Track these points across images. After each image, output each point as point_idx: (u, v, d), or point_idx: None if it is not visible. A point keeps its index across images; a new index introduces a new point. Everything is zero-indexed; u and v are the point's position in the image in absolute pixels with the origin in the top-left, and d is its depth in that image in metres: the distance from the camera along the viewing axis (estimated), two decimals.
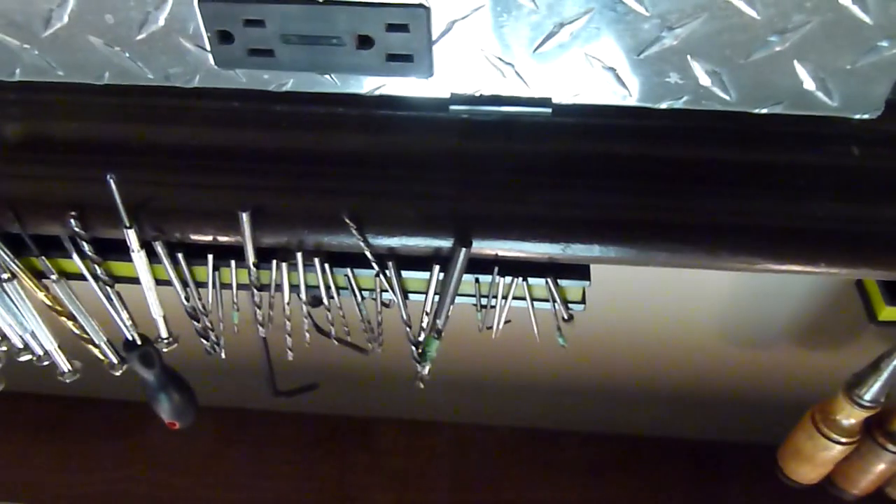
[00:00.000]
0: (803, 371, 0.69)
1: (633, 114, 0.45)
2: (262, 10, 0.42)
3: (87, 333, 0.59)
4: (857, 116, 0.44)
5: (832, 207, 0.47)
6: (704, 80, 0.43)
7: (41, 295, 0.55)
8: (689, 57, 0.42)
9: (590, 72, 0.43)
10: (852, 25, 0.39)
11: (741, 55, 0.41)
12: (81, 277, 0.53)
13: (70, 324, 0.58)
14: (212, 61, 0.44)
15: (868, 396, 0.56)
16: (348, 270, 0.53)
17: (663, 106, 0.44)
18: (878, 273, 0.49)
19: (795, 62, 0.41)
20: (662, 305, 0.66)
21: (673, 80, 0.43)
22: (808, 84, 0.42)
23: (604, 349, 0.71)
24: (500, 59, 0.43)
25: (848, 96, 0.43)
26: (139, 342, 0.60)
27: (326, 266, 0.52)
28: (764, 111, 0.44)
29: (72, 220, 0.48)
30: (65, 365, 0.62)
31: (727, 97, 0.44)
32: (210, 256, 0.52)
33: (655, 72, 0.43)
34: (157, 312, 0.57)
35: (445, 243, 0.48)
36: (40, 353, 0.61)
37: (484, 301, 0.55)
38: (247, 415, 1.04)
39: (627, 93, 0.44)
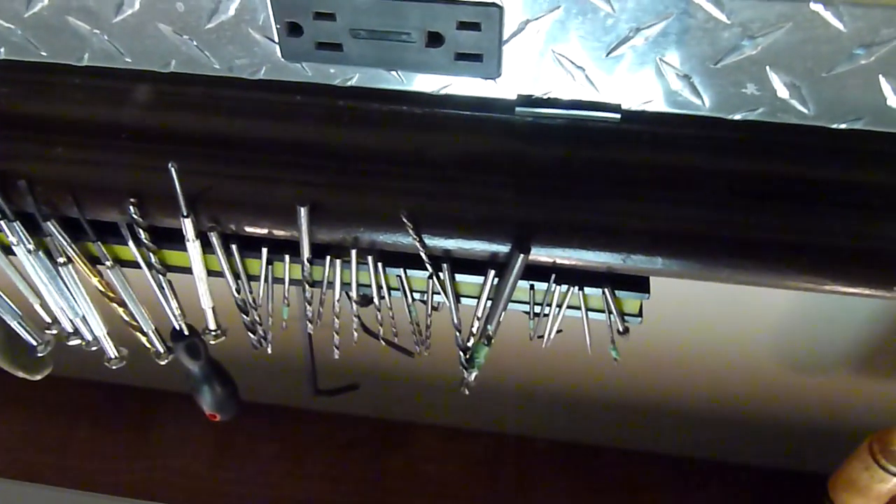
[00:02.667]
0: (862, 398, 0.67)
1: (704, 124, 0.44)
2: (333, 3, 0.41)
3: (137, 321, 0.59)
4: None
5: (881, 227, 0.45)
6: (783, 93, 0.41)
7: (95, 280, 0.55)
8: (768, 68, 0.40)
9: (663, 79, 0.42)
10: None
11: (823, 68, 0.40)
12: (135, 265, 0.53)
13: (120, 310, 0.58)
14: (279, 53, 0.44)
15: None
16: (401, 271, 0.52)
17: (737, 117, 0.43)
18: None
19: (881, 77, 0.40)
20: (718, 324, 0.64)
21: (749, 90, 0.41)
22: (893, 100, 0.41)
23: (654, 366, 0.70)
24: (571, 61, 0.42)
25: None
26: (187, 332, 0.60)
27: (380, 265, 0.51)
28: (843, 126, 0.43)
29: (131, 207, 0.48)
30: (112, 351, 0.62)
31: (805, 110, 0.42)
32: (264, 250, 0.52)
33: (732, 82, 0.41)
34: (206, 304, 0.57)
35: (503, 248, 0.47)
36: (90, 338, 0.61)
37: (538, 309, 0.54)
38: (285, 412, 1.04)
39: (701, 102, 0.43)
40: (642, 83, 0.43)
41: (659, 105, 0.43)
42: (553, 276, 0.51)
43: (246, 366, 0.71)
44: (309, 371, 0.74)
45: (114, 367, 0.64)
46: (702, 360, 0.69)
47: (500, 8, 0.40)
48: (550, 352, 0.58)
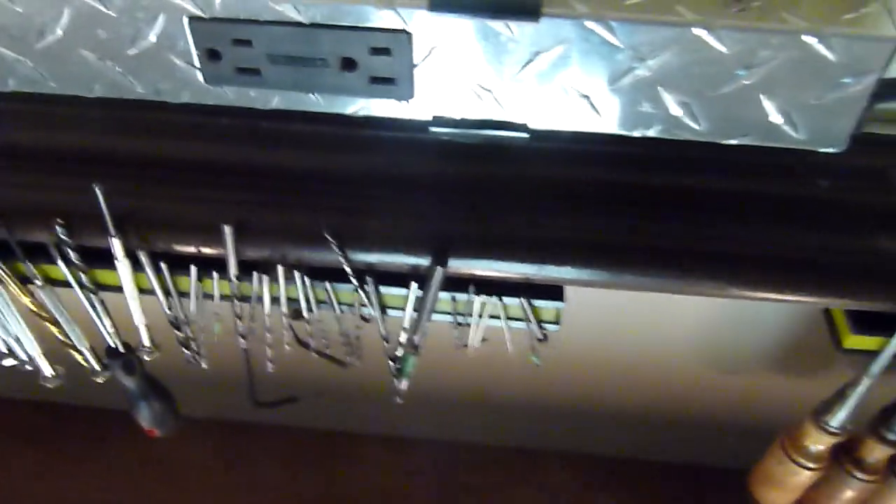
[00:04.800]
0: (775, 397, 0.70)
1: (608, 141, 0.47)
2: (250, 30, 0.43)
3: (71, 340, 0.60)
4: (823, 150, 0.45)
5: (800, 237, 0.49)
6: (675, 111, 0.44)
7: (26, 300, 0.56)
8: (660, 88, 0.43)
9: (566, 99, 0.45)
10: (817, 63, 0.41)
11: (710, 88, 0.43)
12: (67, 284, 0.54)
13: (54, 330, 0.59)
14: (201, 78, 0.46)
15: (834, 423, 0.57)
16: (328, 284, 0.54)
17: (636, 134, 0.46)
18: (843, 302, 0.51)
19: (762, 96, 0.43)
20: (640, 329, 0.67)
21: (645, 109, 0.44)
22: (775, 118, 0.44)
23: (582, 370, 0.72)
24: (479, 84, 0.44)
25: (813, 130, 0.44)
26: (122, 350, 0.61)
27: (307, 280, 0.53)
28: (734, 142, 0.46)
29: (58, 228, 0.49)
30: (48, 370, 0.63)
31: (697, 127, 0.45)
32: (193, 268, 0.53)
33: (629, 101, 0.44)
34: (139, 321, 0.58)
35: (423, 261, 0.49)
36: (24, 357, 0.62)
37: (461, 319, 0.56)
38: (231, 427, 1.05)
39: (602, 120, 0.45)
40: (548, 103, 0.45)
41: (564, 124, 0.46)
42: (472, 287, 0.53)
43: (190, 382, 0.72)
44: (247, 384, 0.75)
45: (51, 386, 0.64)
46: (627, 363, 0.72)
47: (409, 34, 0.42)
48: (482, 360, 0.60)
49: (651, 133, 0.46)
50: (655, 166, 0.48)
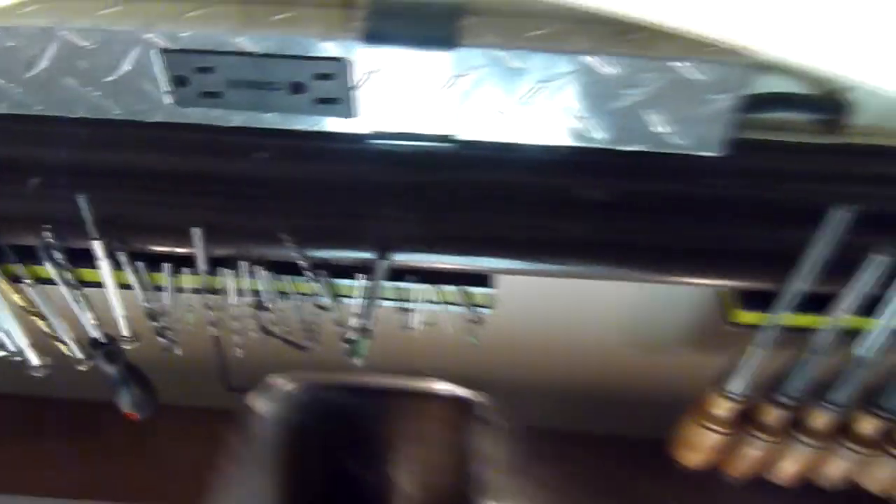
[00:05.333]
0: (689, 369, 0.78)
1: (522, 149, 0.54)
2: (212, 60, 0.50)
3: (57, 332, 0.67)
4: (705, 154, 0.54)
5: (691, 229, 0.57)
6: (577, 124, 0.52)
7: (16, 297, 0.63)
8: (563, 104, 0.51)
9: (484, 114, 0.52)
10: (689, 83, 0.49)
11: (604, 104, 0.51)
12: (53, 282, 0.61)
13: (41, 324, 0.66)
14: (170, 101, 0.53)
15: (734, 391, 0.66)
16: (287, 278, 0.61)
17: (546, 143, 0.54)
18: (732, 284, 0.59)
19: (649, 110, 0.51)
20: (567, 311, 0.75)
21: (552, 122, 0.52)
22: (661, 128, 0.52)
23: (515, 349, 0.80)
24: (411, 102, 0.52)
25: (693, 138, 0.52)
26: (104, 340, 0.68)
27: (269, 274, 0.60)
28: (631, 149, 0.54)
29: (46, 233, 0.56)
30: (35, 360, 0.69)
31: (598, 136, 0.53)
32: (167, 265, 0.60)
33: (539, 114, 0.52)
34: (119, 314, 0.65)
35: (369, 255, 0.56)
36: (13, 349, 0.68)
37: (406, 304, 0.64)
38: (206, 413, 1.11)
39: (516, 131, 0.53)
40: (469, 117, 0.53)
41: (485, 135, 0.54)
42: (414, 278, 0.61)
43: (164, 370, 0.79)
44: (220, 370, 0.82)
45: (38, 375, 0.71)
46: (556, 341, 0.79)
47: (348, 62, 0.50)
48: (429, 340, 0.68)
49: (560, 142, 0.54)
50: (566, 170, 0.55)
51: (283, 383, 0.84)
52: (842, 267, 0.54)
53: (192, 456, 1.08)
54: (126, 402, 0.76)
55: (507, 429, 0.81)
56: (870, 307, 0.57)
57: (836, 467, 0.68)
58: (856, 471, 0.69)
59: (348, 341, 0.65)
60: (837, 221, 0.52)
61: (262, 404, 0.84)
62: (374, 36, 0.48)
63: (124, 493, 1.02)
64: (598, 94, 0.50)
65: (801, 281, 0.55)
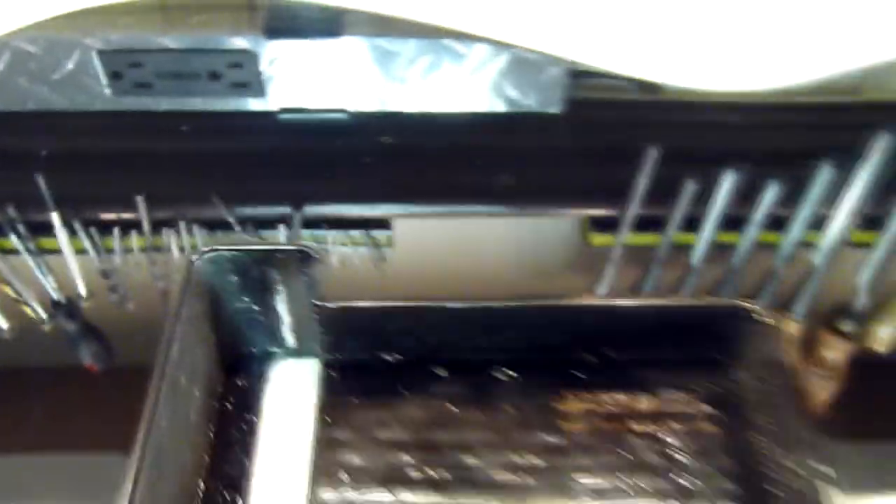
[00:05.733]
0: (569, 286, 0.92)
1: (405, 116, 0.67)
2: (141, 57, 0.61)
3: (22, 297, 0.77)
4: (550, 110, 0.67)
5: (546, 171, 0.71)
6: (450, 93, 0.65)
7: None
8: (437, 78, 0.64)
9: (369, 89, 0.65)
10: (529, 58, 0.62)
11: (470, 76, 0.64)
12: (17, 252, 0.72)
13: (8, 289, 0.76)
14: (108, 92, 0.64)
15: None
16: (219, 233, 0.73)
17: (426, 110, 0.67)
18: (581, 213, 0.73)
19: (501, 78, 0.64)
20: (460, 247, 0.88)
21: (429, 92, 0.65)
22: (512, 92, 0.65)
23: (414, 282, 0.92)
24: (310, 83, 0.64)
25: (538, 99, 0.66)
26: (63, 301, 0.79)
27: (204, 230, 0.72)
28: (494, 111, 0.67)
29: (10, 210, 0.66)
30: (4, 324, 0.80)
31: (467, 102, 0.66)
32: (116, 229, 0.72)
33: (415, 87, 0.65)
34: (76, 275, 0.75)
35: (286, 209, 0.69)
36: None
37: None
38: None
39: (399, 102, 0.66)
40: (356, 93, 0.65)
41: (371, 106, 0.66)
42: (324, 225, 0.73)
43: (117, 328, 0.89)
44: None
45: (6, 337, 0.81)
46: (457, 275, 0.92)
47: (255, 53, 0.62)
48: (341, 278, 0.80)
49: (435, 109, 0.67)
50: (442, 130, 0.69)
51: None
52: (663, 194, 0.68)
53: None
54: (86, 356, 0.86)
55: None
56: (692, 223, 0.71)
57: None
58: None
59: None
60: (652, 159, 0.67)
61: None
62: (273, 31, 0.60)
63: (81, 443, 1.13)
64: (460, 69, 0.63)
65: (633, 207, 0.69)
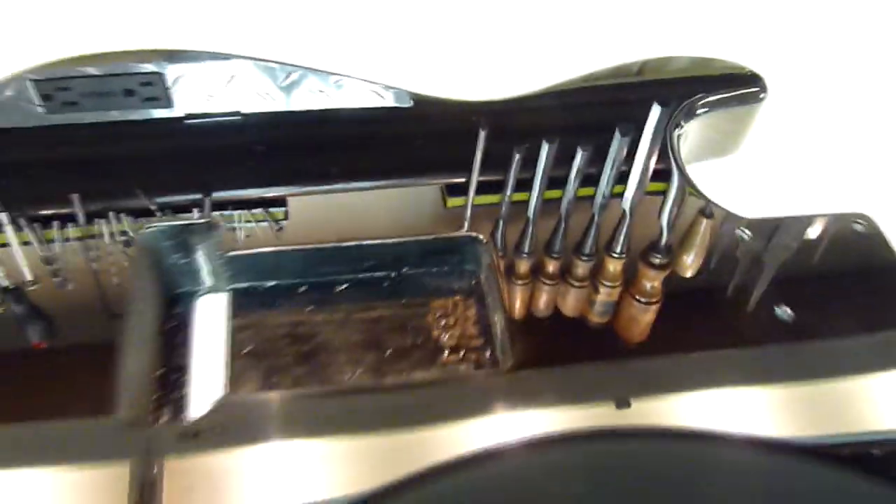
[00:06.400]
0: None
1: (289, 114, 0.84)
2: (67, 82, 0.77)
3: None
4: (404, 105, 0.85)
5: (403, 153, 0.89)
6: (321, 93, 0.83)
7: None
8: (309, 84, 0.81)
9: (256, 96, 0.82)
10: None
11: (336, 81, 0.81)
12: None
13: None
14: (42, 111, 0.79)
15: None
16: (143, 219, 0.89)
17: (304, 108, 0.84)
18: (439, 181, 0.92)
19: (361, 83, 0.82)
20: (344, 218, 1.06)
21: (304, 95, 0.82)
22: (372, 92, 0.83)
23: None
24: (207, 93, 0.81)
25: (395, 96, 0.84)
26: (12, 287, 0.93)
27: (131, 218, 0.88)
28: (365, 106, 0.85)
29: None
30: None
31: (338, 100, 0.84)
32: (55, 223, 0.87)
33: (295, 92, 0.82)
34: (23, 264, 0.90)
35: (197, 196, 0.85)
36: None
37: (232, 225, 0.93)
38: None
39: (282, 104, 0.83)
40: (247, 99, 0.82)
41: (260, 107, 0.83)
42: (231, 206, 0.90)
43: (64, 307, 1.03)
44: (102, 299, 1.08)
45: None
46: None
47: (162, 74, 0.78)
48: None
49: (309, 107, 0.84)
50: (320, 123, 0.86)
51: None
52: (498, 164, 0.87)
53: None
54: (34, 335, 1.01)
55: None
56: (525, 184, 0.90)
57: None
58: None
59: None
60: (483, 138, 0.85)
61: None
62: (175, 58, 0.76)
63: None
64: (326, 77, 0.81)
65: (475, 175, 0.88)
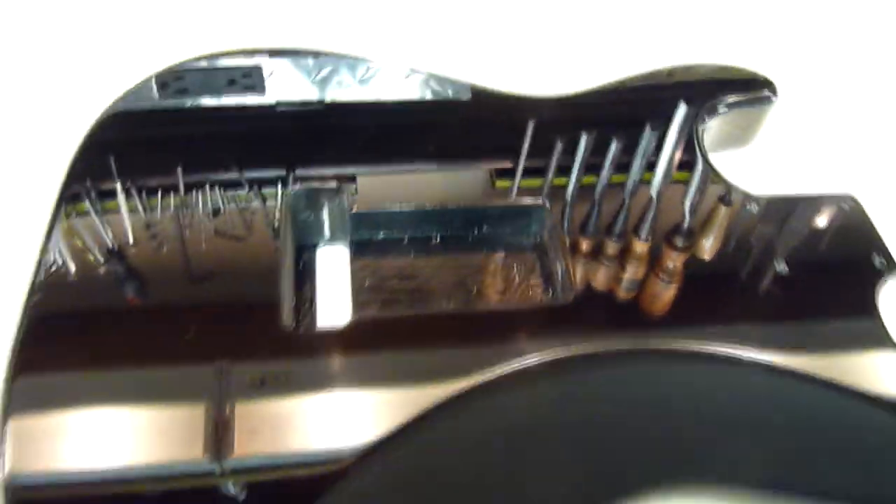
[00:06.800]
0: None
1: (359, 104, 0.98)
2: (182, 74, 0.91)
3: (87, 246, 1.06)
4: (463, 98, 0.99)
5: (448, 137, 1.02)
6: (409, 82, 0.96)
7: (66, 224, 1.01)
8: (384, 78, 0.95)
9: (346, 87, 0.95)
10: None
11: (397, 77, 0.95)
12: (87, 213, 1.00)
13: (78, 242, 1.04)
14: (157, 96, 0.93)
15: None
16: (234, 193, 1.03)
17: (388, 99, 0.97)
18: (487, 167, 1.05)
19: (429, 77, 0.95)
20: (408, 195, 1.19)
21: (393, 84, 0.96)
22: (436, 86, 0.96)
23: None
24: (296, 85, 0.94)
25: (454, 90, 0.97)
26: (115, 248, 1.07)
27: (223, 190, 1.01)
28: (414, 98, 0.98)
29: (87, 183, 0.95)
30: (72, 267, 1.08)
31: (419, 93, 0.97)
32: (159, 193, 1.01)
33: (376, 85, 0.96)
34: (128, 228, 1.04)
35: (282, 172, 0.99)
36: None
37: None
38: None
39: (374, 94, 0.97)
40: (328, 91, 0.95)
41: (351, 97, 0.97)
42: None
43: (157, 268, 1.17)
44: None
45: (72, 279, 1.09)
46: None
47: (260, 67, 0.91)
48: None
49: (391, 98, 0.97)
50: (388, 113, 0.99)
51: None
52: (543, 152, 0.99)
53: None
54: (130, 291, 1.15)
55: None
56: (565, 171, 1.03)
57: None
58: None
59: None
60: (530, 129, 0.98)
61: None
62: (271, 54, 0.90)
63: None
64: (397, 73, 0.94)
65: (521, 161, 1.01)
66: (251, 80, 0.92)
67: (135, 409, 0.65)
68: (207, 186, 0.97)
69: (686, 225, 0.89)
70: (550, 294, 0.89)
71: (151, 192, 0.95)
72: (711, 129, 1.03)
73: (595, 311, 0.80)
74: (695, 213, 0.90)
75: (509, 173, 0.92)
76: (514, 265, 0.95)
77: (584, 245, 0.88)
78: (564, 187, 0.87)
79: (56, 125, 1.06)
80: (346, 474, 0.65)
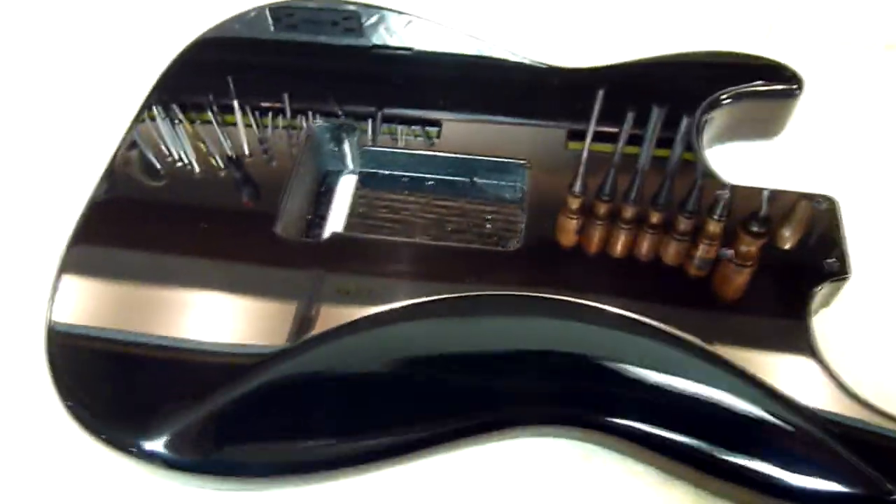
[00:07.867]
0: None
1: (445, 55, 1.07)
2: (293, 10, 1.04)
3: (210, 151, 1.23)
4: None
5: (531, 97, 1.09)
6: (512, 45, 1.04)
7: (190, 128, 1.19)
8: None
9: (436, 34, 1.05)
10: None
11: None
12: (210, 122, 1.16)
13: (202, 146, 1.22)
14: (271, 29, 1.07)
15: (577, 191, 1.19)
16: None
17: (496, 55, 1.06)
18: (563, 126, 1.11)
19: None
20: (485, 146, 1.26)
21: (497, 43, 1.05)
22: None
23: None
24: (391, 32, 1.05)
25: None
26: (234, 156, 1.24)
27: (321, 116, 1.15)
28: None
29: (210, 98, 1.11)
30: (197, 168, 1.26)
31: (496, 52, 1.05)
32: (270, 114, 1.15)
33: (487, 40, 1.04)
34: (243, 140, 1.20)
35: (372, 108, 1.11)
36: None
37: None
38: None
39: (442, 45, 1.06)
40: (422, 37, 1.05)
41: (435, 47, 1.06)
42: (396, 121, 1.15)
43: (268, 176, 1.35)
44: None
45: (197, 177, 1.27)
46: None
47: (359, 13, 1.03)
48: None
49: (476, 52, 1.06)
50: (483, 70, 1.08)
51: None
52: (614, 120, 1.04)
53: None
54: (245, 195, 1.33)
55: None
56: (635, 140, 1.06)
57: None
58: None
59: None
60: (600, 98, 1.03)
61: None
62: (371, 5, 1.01)
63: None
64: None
65: (592, 126, 1.06)
66: (351, 23, 1.03)
67: (170, 288, 0.78)
68: (309, 114, 1.10)
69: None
70: (501, 243, 0.98)
71: (227, 109, 1.09)
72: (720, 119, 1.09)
73: (532, 263, 0.87)
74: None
75: (582, 135, 0.93)
76: (491, 214, 1.06)
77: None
78: (636, 156, 0.92)
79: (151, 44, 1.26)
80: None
